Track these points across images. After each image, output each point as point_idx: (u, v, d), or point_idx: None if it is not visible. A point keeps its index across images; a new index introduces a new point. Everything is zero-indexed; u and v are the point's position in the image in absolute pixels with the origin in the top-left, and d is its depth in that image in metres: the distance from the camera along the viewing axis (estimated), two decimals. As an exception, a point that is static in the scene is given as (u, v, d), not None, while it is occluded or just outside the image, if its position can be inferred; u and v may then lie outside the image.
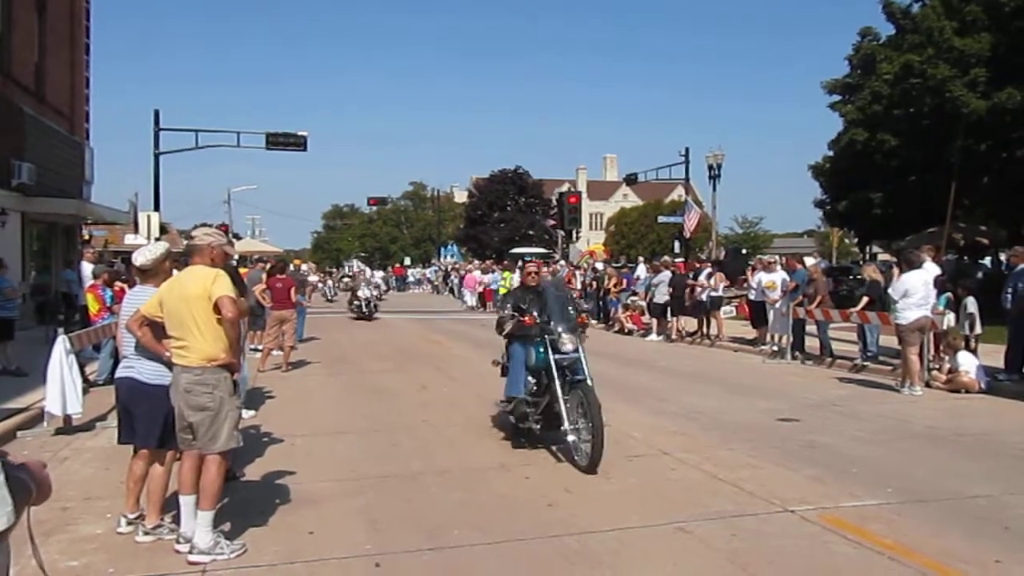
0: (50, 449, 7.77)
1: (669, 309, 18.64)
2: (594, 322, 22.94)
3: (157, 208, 25.55)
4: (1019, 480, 6.49)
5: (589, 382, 7.09)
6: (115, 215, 25.74)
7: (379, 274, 41.64)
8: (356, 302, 25.53)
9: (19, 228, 19.27)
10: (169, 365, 4.93)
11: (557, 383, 7.17)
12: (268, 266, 15.35)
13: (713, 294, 17.95)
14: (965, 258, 23.80)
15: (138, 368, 5.13)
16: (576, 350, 7.41)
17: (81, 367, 9.27)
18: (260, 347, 13.86)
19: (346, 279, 54.57)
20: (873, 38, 27.89)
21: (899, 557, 4.72)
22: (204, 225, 6.19)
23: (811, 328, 14.92)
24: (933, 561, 4.64)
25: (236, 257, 18.53)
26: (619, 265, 29.75)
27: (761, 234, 76.65)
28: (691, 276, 19.21)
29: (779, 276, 15.56)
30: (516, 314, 7.65)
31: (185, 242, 5.24)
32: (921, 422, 8.92)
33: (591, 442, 6.61)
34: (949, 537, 5.07)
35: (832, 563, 4.69)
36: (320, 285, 47.00)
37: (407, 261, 69.22)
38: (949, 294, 12.37)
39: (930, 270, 11.77)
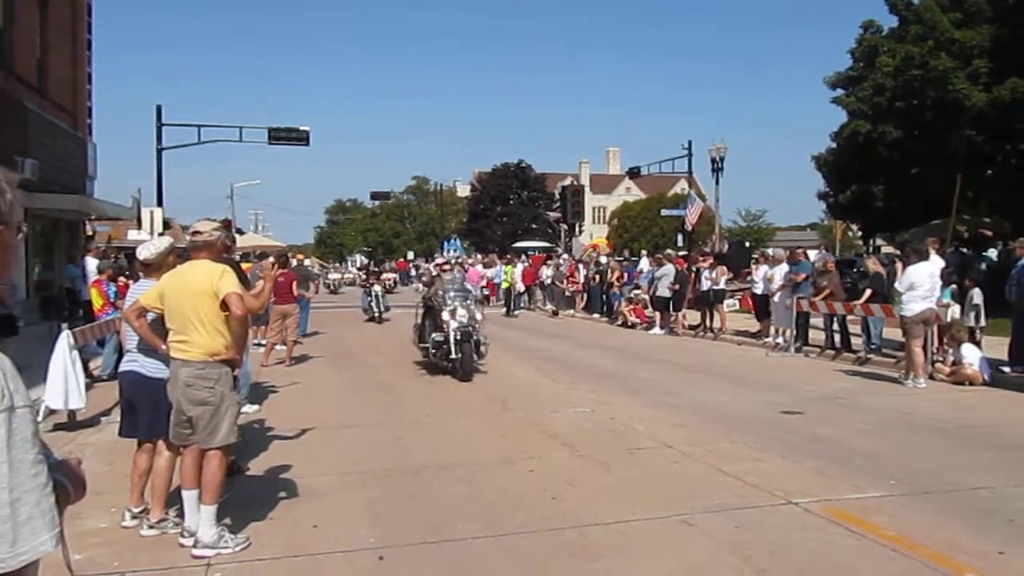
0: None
1: (672, 303, 18.64)
2: (597, 315, 22.98)
3: (160, 203, 25.58)
4: (1023, 472, 6.47)
5: None
6: (118, 211, 25.80)
7: (480, 268, 27.95)
8: (441, 338, 11.73)
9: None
10: (167, 359, 4.93)
11: None
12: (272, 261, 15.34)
13: (716, 287, 17.94)
14: (966, 250, 23.72)
15: (141, 362, 5.14)
16: None
17: (85, 362, 9.30)
18: (263, 342, 13.88)
19: (406, 276, 47.93)
20: (876, 30, 27.88)
21: (902, 549, 4.72)
22: (208, 220, 6.18)
23: (819, 321, 14.93)
24: (937, 553, 4.64)
25: (240, 253, 18.62)
26: (622, 258, 29.71)
27: (764, 227, 76.42)
28: (693, 271, 19.23)
29: (780, 269, 15.56)
30: None
31: (188, 236, 5.19)
32: (925, 414, 8.91)
33: None
34: (953, 529, 5.07)
35: (835, 555, 4.69)
36: (351, 284, 44.21)
37: (410, 255, 69.20)
38: (954, 286, 12.34)
39: (935, 262, 11.74)
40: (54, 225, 22.54)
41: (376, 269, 28.84)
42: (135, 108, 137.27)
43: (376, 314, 21.83)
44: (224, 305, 4.74)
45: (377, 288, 22.54)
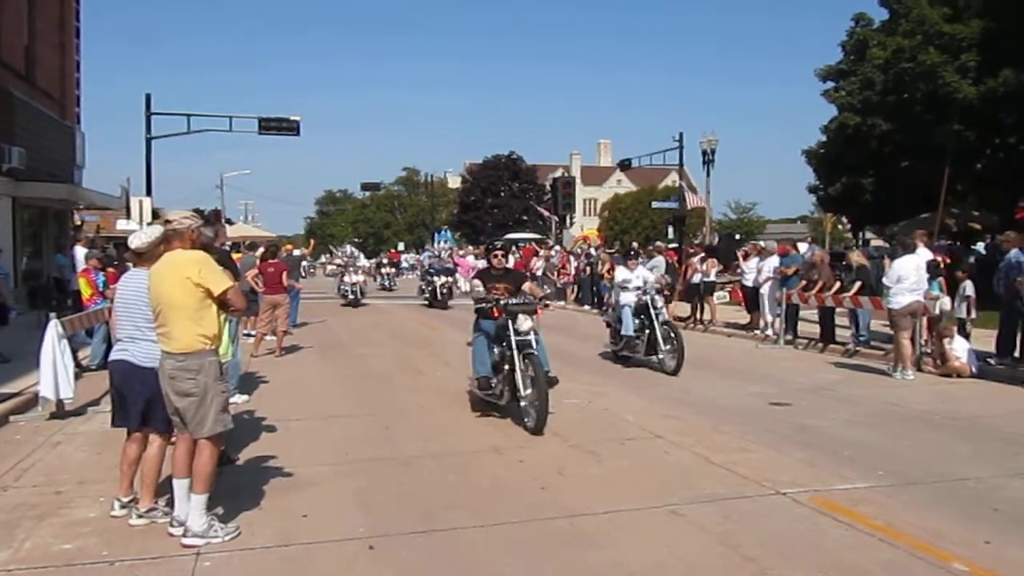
0: (43, 434, 7.76)
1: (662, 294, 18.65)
2: (587, 307, 23.01)
3: (149, 193, 25.45)
4: (1009, 462, 6.53)
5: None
6: (107, 200, 25.65)
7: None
8: None
9: (10, 213, 19.19)
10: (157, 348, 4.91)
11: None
12: (261, 250, 15.27)
13: (706, 279, 17.99)
14: (957, 243, 23.89)
15: (132, 351, 5.11)
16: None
17: (74, 352, 9.26)
18: (253, 332, 13.85)
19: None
20: (866, 24, 27.94)
21: (890, 539, 4.76)
22: (197, 211, 6.16)
23: (810, 313, 14.97)
24: (924, 543, 4.68)
25: (229, 243, 18.52)
26: (612, 251, 29.74)
27: (755, 220, 76.71)
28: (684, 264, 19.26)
29: (769, 262, 15.60)
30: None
31: (162, 227, 5.16)
32: (912, 406, 8.97)
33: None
34: (940, 519, 5.11)
35: (824, 545, 4.72)
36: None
37: (401, 246, 69.08)
38: (941, 279, 12.39)
39: (922, 255, 11.80)
40: (42, 214, 22.40)
41: (497, 263, 9.32)
42: (124, 97, 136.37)
43: (532, 412, 7.67)
44: (212, 294, 4.76)
45: (527, 326, 8.07)
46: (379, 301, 27.00)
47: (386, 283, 33.67)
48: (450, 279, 25.23)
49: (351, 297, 24.65)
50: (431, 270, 26.01)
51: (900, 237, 11.99)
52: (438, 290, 24.11)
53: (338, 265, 29.65)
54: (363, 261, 33.10)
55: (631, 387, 10.25)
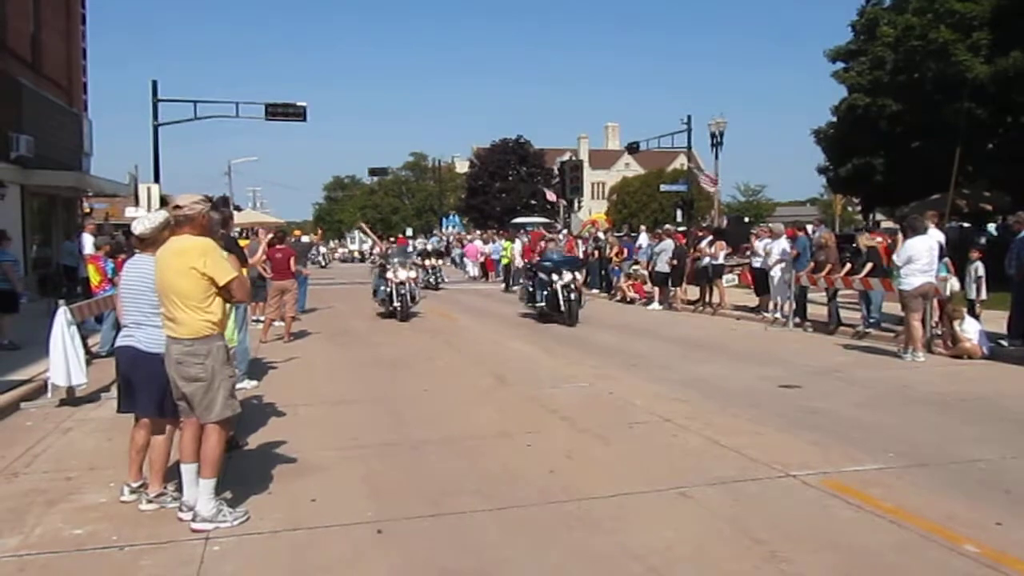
0: (53, 420, 7.80)
1: (671, 278, 18.62)
2: (596, 291, 22.96)
3: (157, 180, 25.45)
4: (1020, 444, 6.48)
5: None
6: (115, 187, 25.71)
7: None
8: None
9: (19, 201, 19.24)
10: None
11: None
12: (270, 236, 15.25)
13: (715, 262, 17.91)
14: (965, 224, 23.71)
15: (138, 337, 5.11)
16: None
17: (84, 339, 9.28)
18: (262, 318, 13.88)
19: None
20: (877, 2, 27.72)
21: (900, 520, 4.73)
22: (206, 197, 6.13)
23: (819, 296, 14.91)
24: (934, 524, 4.65)
25: (238, 229, 18.51)
26: (621, 234, 29.65)
27: (764, 202, 76.40)
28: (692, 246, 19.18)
29: (778, 244, 15.52)
30: None
31: (171, 211, 5.06)
32: (923, 388, 8.91)
33: None
34: (950, 500, 5.08)
35: (834, 527, 4.70)
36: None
37: (409, 232, 69.07)
38: (947, 260, 12.27)
39: (934, 236, 11.70)
40: (51, 202, 22.46)
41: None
42: (131, 85, 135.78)
43: None
44: (217, 284, 4.73)
45: None
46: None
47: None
48: (577, 276, 16.02)
49: (396, 305, 16.09)
50: (545, 262, 16.29)
51: (909, 219, 11.84)
52: (560, 295, 15.23)
53: (376, 254, 19.68)
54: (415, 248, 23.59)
55: (637, 371, 10.22)
